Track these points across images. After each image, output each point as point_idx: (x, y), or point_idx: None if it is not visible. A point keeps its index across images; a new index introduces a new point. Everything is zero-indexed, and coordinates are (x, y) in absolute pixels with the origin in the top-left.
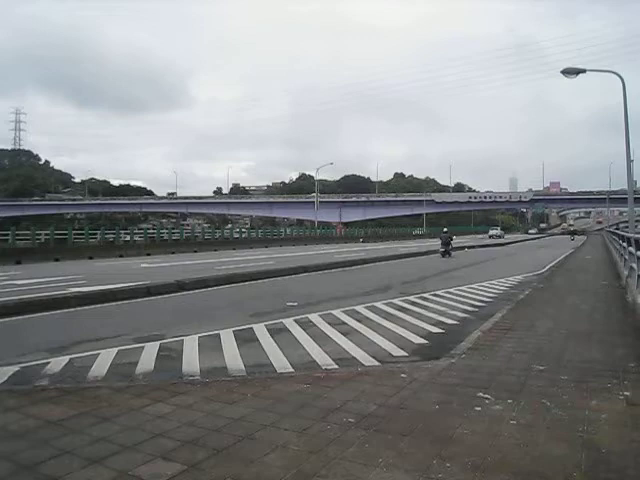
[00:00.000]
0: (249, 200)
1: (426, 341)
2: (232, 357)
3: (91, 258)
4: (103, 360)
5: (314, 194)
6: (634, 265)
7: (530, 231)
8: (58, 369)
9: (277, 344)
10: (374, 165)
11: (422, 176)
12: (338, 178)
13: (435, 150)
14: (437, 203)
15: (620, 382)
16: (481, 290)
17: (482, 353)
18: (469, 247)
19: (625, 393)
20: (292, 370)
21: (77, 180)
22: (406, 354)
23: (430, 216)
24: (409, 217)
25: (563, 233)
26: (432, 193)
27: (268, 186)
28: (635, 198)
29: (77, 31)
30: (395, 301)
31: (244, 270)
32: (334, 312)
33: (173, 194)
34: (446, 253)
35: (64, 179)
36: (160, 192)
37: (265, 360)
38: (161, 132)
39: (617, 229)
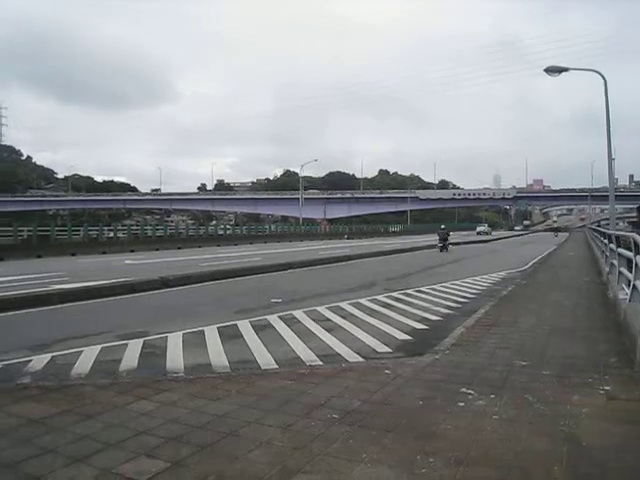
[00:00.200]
0: (233, 197)
1: (410, 337)
2: (216, 354)
3: (74, 255)
4: (86, 357)
5: (299, 191)
6: (615, 262)
7: (516, 228)
8: (40, 367)
9: (261, 340)
10: (359, 162)
11: (407, 173)
12: (323, 175)
13: (420, 147)
14: (421, 200)
15: (601, 377)
16: (465, 286)
17: (465, 349)
18: (454, 244)
19: (606, 388)
20: (276, 366)
21: (60, 176)
22: (390, 350)
23: (414, 213)
24: (394, 214)
25: (546, 230)
26: (416, 190)
27: (253, 182)
28: (616, 196)
29: (61, 25)
30: (379, 297)
31: (228, 267)
32: (318, 309)
33: (157, 190)
34: (444, 248)
35: (47, 175)
36: (144, 188)
37: (249, 356)
38: (145, 128)
39: (599, 226)
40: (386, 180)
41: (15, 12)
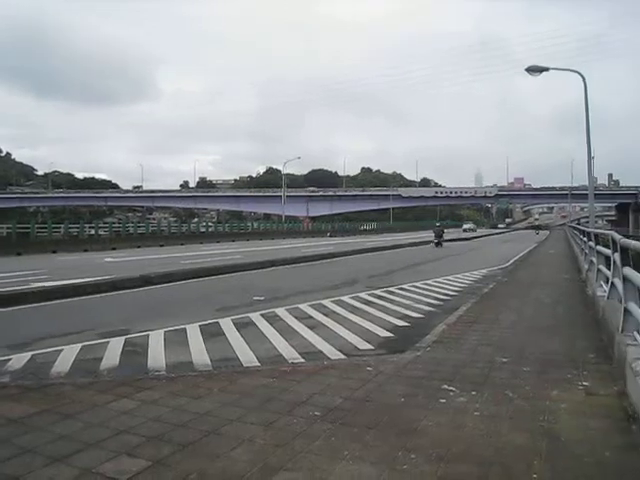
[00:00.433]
0: (216, 194)
1: (392, 334)
2: (198, 352)
3: (55, 252)
4: (66, 356)
5: (281, 188)
6: (594, 259)
7: (499, 225)
8: (19, 366)
9: (244, 338)
10: (341, 160)
11: (389, 171)
12: (305, 172)
13: (402, 145)
14: (404, 198)
15: (580, 373)
16: (447, 284)
17: (447, 346)
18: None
19: (584, 383)
20: (258, 364)
21: (40, 173)
22: (372, 347)
23: (397, 211)
24: (376, 212)
25: (527, 228)
26: (399, 188)
27: (235, 180)
28: (595, 194)
29: (41, 18)
30: (362, 295)
31: (211, 264)
32: (301, 306)
33: (139, 187)
34: (439, 244)
35: (26, 172)
36: (126, 185)
37: (231, 354)
38: (127, 125)
39: (578, 224)
40: (368, 178)
41: None
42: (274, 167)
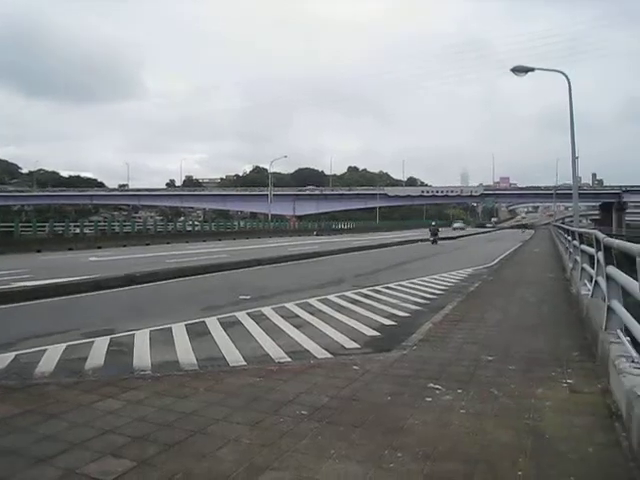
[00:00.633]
0: (202, 193)
1: (378, 333)
2: (184, 351)
3: (39, 251)
4: (51, 356)
5: (268, 187)
6: (578, 258)
7: (487, 225)
8: (3, 366)
9: (230, 337)
10: (328, 159)
11: (376, 170)
12: (292, 171)
13: (389, 145)
14: (390, 197)
15: (564, 371)
16: (433, 283)
17: (433, 344)
18: (421, 240)
19: (568, 381)
20: (245, 363)
21: (24, 171)
22: (358, 346)
23: (383, 210)
24: (363, 211)
25: (513, 227)
26: (385, 187)
27: (222, 179)
28: (579, 194)
29: (26, 16)
30: (348, 294)
31: (197, 263)
32: (287, 305)
33: (125, 186)
34: (434, 242)
35: (10, 170)
36: (111, 184)
37: (217, 354)
38: (113, 123)
39: (563, 223)
40: (355, 177)
41: None
42: (261, 166)
